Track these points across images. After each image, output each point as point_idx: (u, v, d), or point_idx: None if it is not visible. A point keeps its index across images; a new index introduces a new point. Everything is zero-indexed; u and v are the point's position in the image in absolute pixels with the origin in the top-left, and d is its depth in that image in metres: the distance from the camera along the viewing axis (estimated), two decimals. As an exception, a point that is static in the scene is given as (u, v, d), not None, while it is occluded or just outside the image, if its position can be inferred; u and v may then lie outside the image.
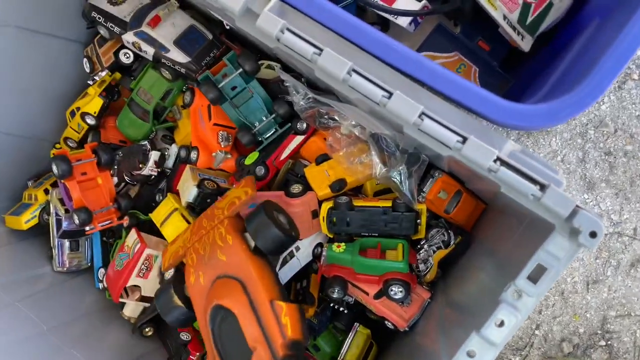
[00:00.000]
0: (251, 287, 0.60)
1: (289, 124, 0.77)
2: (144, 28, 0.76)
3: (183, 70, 0.76)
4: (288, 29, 0.50)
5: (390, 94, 0.49)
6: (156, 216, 0.80)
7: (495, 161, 0.47)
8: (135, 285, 0.80)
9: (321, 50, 0.50)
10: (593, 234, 0.46)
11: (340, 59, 0.49)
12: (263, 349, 0.57)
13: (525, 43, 0.66)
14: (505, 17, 0.64)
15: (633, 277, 0.85)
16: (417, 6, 0.65)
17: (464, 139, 0.47)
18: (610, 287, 0.86)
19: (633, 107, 0.84)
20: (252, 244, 0.63)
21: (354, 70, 0.49)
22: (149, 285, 0.81)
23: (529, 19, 0.65)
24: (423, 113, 0.48)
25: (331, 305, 0.78)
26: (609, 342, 0.87)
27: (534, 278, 0.49)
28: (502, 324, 0.48)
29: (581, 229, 0.45)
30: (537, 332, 0.88)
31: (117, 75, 0.85)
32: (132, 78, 0.85)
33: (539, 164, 0.48)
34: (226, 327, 0.62)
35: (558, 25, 0.68)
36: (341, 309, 0.77)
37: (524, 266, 0.49)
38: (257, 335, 0.58)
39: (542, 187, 0.46)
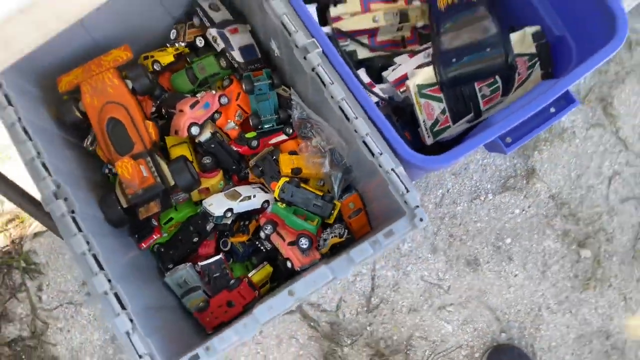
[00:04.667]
0: (131, 110, 1.05)
1: (282, 126, 1.18)
2: (225, 31, 1.17)
3: (235, 65, 1.17)
4: (320, 66, 0.94)
5: (357, 117, 0.93)
6: (170, 140, 1.16)
7: (392, 170, 0.91)
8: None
9: (332, 82, 0.94)
10: (421, 220, 0.89)
11: (340, 91, 0.93)
12: (138, 141, 1.02)
13: (429, 141, 1.14)
14: (424, 121, 1.11)
15: (437, 316, 1.29)
16: (380, 96, 1.12)
17: (381, 153, 0.91)
18: (422, 317, 1.29)
19: (474, 216, 1.33)
20: (131, 86, 1.07)
21: (344, 99, 0.93)
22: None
23: (435, 128, 1.13)
24: (367, 134, 0.92)
25: (257, 242, 1.14)
26: (408, 353, 1.28)
27: (386, 235, 0.91)
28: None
29: (417, 215, 0.88)
30: (368, 328, 1.28)
31: (187, 50, 1.25)
32: (196, 56, 1.24)
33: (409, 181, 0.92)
34: (116, 131, 1.03)
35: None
36: (262, 247, 1.14)
37: (383, 230, 0.91)
38: (135, 136, 1.02)
39: (407, 191, 0.90)
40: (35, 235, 1.34)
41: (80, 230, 0.89)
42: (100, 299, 0.86)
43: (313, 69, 0.95)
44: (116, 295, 0.87)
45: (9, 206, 1.35)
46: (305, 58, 0.96)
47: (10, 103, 0.94)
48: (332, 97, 0.93)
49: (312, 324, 1.26)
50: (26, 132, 0.93)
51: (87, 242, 0.89)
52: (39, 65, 1.05)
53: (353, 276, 1.28)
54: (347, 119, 0.92)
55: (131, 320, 0.86)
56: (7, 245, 1.33)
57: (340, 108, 0.93)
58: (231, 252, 1.15)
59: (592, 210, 1.30)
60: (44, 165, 0.92)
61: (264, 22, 1.12)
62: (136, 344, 0.85)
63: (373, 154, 0.91)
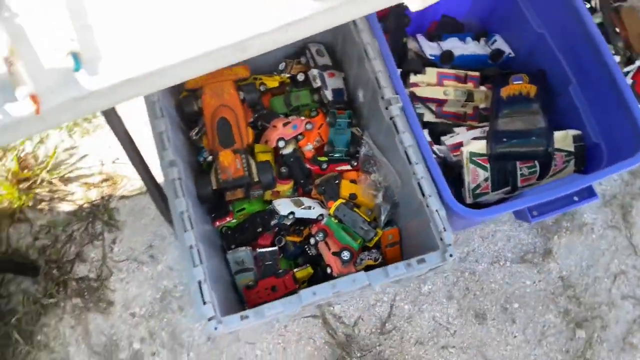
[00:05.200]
0: (238, 115, 1.28)
1: (349, 158, 1.41)
2: (324, 73, 1.43)
3: (325, 101, 1.43)
4: (397, 116, 1.18)
5: (417, 163, 1.15)
6: (259, 147, 1.40)
7: (436, 210, 1.12)
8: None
9: (404, 131, 1.17)
10: (451, 255, 1.09)
11: (409, 139, 1.16)
12: (238, 140, 1.25)
13: (468, 200, 1.35)
14: (468, 183, 1.33)
15: (439, 353, 1.45)
16: (437, 154, 1.35)
17: (430, 195, 1.13)
18: (426, 351, 1.45)
19: (490, 277, 1.51)
20: (242, 97, 1.31)
21: (410, 146, 1.16)
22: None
23: (477, 191, 1.34)
24: (423, 177, 1.14)
25: (305, 246, 1.36)
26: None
27: (419, 262, 1.11)
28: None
29: (448, 251, 1.09)
30: (378, 347, 1.45)
31: (288, 80, 1.51)
32: (294, 87, 1.50)
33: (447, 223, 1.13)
34: (224, 128, 1.27)
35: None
36: (309, 251, 1.35)
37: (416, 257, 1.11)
38: (237, 136, 1.26)
39: (444, 230, 1.11)
40: (122, 197, 1.59)
41: (183, 195, 1.13)
42: (187, 250, 1.08)
43: (391, 118, 1.19)
44: (197, 251, 1.09)
45: (107, 168, 1.61)
46: (387, 108, 1.20)
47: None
48: (401, 142, 1.16)
49: (330, 331, 1.44)
50: (161, 110, 1.19)
51: (186, 206, 1.12)
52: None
53: (374, 300, 1.47)
54: (410, 162, 1.15)
55: (204, 273, 1.07)
56: (97, 200, 1.58)
57: (406, 153, 1.16)
58: (283, 248, 1.36)
59: (594, 299, 1.47)
60: (168, 138, 1.17)
61: (357, 74, 1.37)
62: (204, 292, 1.06)
63: (424, 195, 1.13)
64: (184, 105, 1.34)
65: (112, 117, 1.12)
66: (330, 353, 1.42)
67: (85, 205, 1.57)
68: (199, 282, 1.07)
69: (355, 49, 1.29)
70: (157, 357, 1.43)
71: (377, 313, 1.47)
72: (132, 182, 1.60)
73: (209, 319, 1.05)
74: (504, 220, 1.55)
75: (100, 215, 1.55)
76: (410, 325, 1.45)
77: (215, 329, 1.04)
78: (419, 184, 1.14)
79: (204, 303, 1.06)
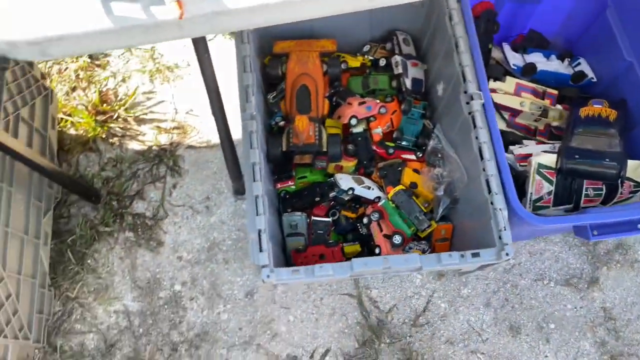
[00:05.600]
0: (319, 86, 1.32)
1: (416, 149, 1.43)
2: (408, 61, 1.46)
3: (403, 89, 1.45)
4: (477, 112, 1.20)
5: (489, 159, 1.16)
6: (330, 122, 1.42)
7: (500, 209, 1.13)
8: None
9: (482, 127, 1.18)
10: (507, 254, 1.09)
11: (485, 135, 1.17)
12: (315, 109, 1.29)
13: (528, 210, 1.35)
14: (531, 193, 1.33)
15: (467, 357, 1.45)
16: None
17: (497, 193, 1.14)
18: (454, 351, 1.46)
19: (532, 293, 1.50)
20: (325, 69, 1.37)
21: (485, 143, 1.17)
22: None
23: (538, 203, 1.33)
24: (492, 175, 1.15)
25: (357, 224, 1.38)
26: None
27: (473, 255, 1.12)
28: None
29: (505, 250, 1.09)
30: (408, 338, 1.46)
31: (369, 63, 1.54)
32: (374, 70, 1.53)
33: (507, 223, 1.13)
34: (303, 95, 1.32)
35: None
36: (360, 229, 1.37)
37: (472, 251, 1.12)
38: (314, 105, 1.30)
39: (505, 229, 1.11)
40: (188, 147, 1.65)
41: (257, 147, 1.17)
42: (253, 199, 1.12)
43: (470, 113, 1.20)
44: (262, 202, 1.13)
45: (179, 117, 1.68)
46: (467, 103, 1.21)
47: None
48: (476, 137, 1.17)
49: (364, 313, 1.46)
50: (251, 66, 1.24)
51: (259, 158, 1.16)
52: (269, 29, 1.38)
53: (412, 292, 1.49)
54: (482, 158, 1.16)
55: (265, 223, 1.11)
56: (165, 144, 1.64)
57: (480, 149, 1.17)
58: (335, 222, 1.38)
59: (634, 336, 1.44)
60: (253, 92, 1.21)
61: (439, 67, 1.39)
62: (263, 241, 1.09)
63: (490, 191, 1.14)
64: (270, 67, 1.38)
65: (205, 61, 1.17)
66: (361, 333, 1.44)
67: (154, 148, 1.63)
68: (259, 231, 1.11)
69: (444, 42, 1.31)
70: (195, 302, 1.47)
71: (413, 305, 1.48)
72: (201, 134, 1.66)
73: (263, 266, 1.09)
74: (555, 241, 1.54)
75: (165, 159, 1.62)
76: (443, 323, 1.46)
77: (268, 277, 1.07)
78: (487, 180, 1.15)
79: (261, 250, 1.09)
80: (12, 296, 1.23)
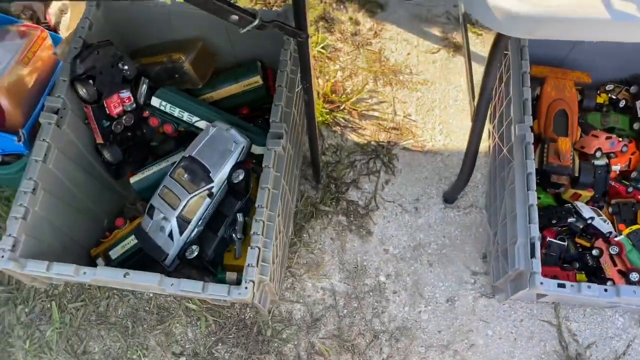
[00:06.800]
0: (574, 113, 1.37)
1: (652, 192, 1.44)
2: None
3: (647, 133, 1.46)
4: None
5: None
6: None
7: None
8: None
9: None
10: None
11: None
12: (571, 135, 1.37)
13: None
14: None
15: None
16: None
17: None
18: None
19: None
20: (579, 98, 1.41)
21: None
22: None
23: None
24: None
25: (586, 254, 1.39)
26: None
27: None
28: None
29: None
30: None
31: (607, 101, 1.56)
32: (612, 110, 1.56)
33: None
34: (561, 119, 1.36)
35: None
36: (589, 260, 1.38)
37: None
38: (571, 128, 1.36)
39: None
40: (403, 148, 1.71)
41: (527, 158, 1.21)
42: (525, 208, 1.16)
43: None
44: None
45: (398, 119, 1.75)
46: None
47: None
48: None
49: (563, 343, 1.46)
50: (530, 82, 1.29)
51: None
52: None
53: (613, 333, 1.47)
54: None
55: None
56: (383, 142, 1.72)
57: None
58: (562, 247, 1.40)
59: None
60: (529, 107, 1.26)
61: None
62: (536, 247, 1.12)
63: None
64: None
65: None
66: (558, 362, 1.44)
67: (372, 143, 1.71)
68: (532, 238, 1.14)
69: None
70: (397, 296, 1.52)
71: (613, 346, 1.46)
72: (417, 139, 1.72)
73: (532, 273, 1.12)
74: None
75: (382, 155, 1.69)
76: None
77: (541, 283, 1.10)
78: None
79: (533, 257, 1.13)
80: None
